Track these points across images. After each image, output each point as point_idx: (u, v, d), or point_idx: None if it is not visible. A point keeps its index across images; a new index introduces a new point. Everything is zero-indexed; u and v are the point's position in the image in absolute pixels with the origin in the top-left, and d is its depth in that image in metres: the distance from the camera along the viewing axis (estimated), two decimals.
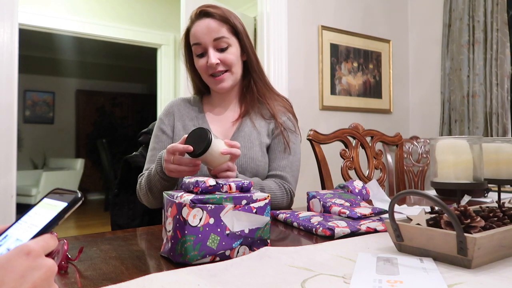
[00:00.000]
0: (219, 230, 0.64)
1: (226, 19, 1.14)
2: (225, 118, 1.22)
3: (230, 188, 0.67)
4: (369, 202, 1.19)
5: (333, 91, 2.89)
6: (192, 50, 1.17)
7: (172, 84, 4.21)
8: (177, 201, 0.63)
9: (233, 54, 1.15)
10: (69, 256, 0.63)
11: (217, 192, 0.66)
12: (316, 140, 1.55)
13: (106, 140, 5.80)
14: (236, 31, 1.16)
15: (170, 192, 0.70)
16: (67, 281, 0.56)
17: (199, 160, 0.91)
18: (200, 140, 0.88)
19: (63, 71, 6.79)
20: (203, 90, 1.28)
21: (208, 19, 1.13)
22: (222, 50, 1.13)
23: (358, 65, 3.02)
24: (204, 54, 1.14)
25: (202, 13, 1.14)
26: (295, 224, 0.91)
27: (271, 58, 2.60)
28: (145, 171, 1.15)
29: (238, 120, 1.20)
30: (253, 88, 1.21)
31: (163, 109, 1.26)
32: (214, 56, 1.12)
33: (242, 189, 0.69)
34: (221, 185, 0.66)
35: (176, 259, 0.63)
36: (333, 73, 2.89)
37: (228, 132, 1.19)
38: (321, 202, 1.02)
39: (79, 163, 6.03)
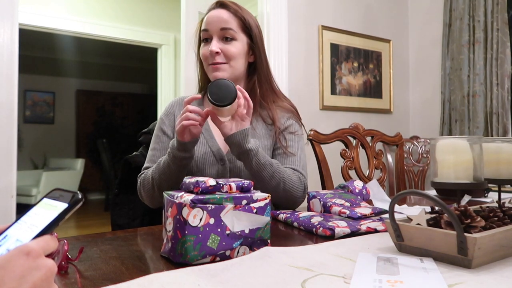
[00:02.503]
0: (219, 230, 0.63)
1: (239, 14, 1.15)
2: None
3: (230, 188, 0.67)
4: (369, 202, 1.19)
5: (333, 91, 2.89)
6: None
7: (172, 84, 4.21)
8: (177, 201, 0.63)
9: (236, 48, 1.14)
10: (69, 256, 0.63)
11: (217, 192, 0.66)
12: (316, 140, 1.55)
13: (106, 140, 5.81)
14: (248, 30, 1.16)
15: (170, 192, 0.70)
16: (67, 282, 0.56)
17: (218, 110, 0.95)
18: (224, 91, 0.92)
19: (63, 71, 6.80)
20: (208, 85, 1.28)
21: (222, 10, 1.15)
22: (226, 41, 1.14)
23: (358, 65, 3.02)
24: (209, 41, 1.15)
25: (219, 3, 1.17)
26: (295, 224, 0.91)
27: (271, 58, 2.60)
28: (144, 170, 1.15)
29: None
30: (256, 90, 1.20)
31: (164, 109, 1.26)
32: (216, 45, 1.12)
33: (242, 189, 0.69)
34: (221, 185, 0.66)
35: (176, 259, 0.63)
36: (333, 73, 2.89)
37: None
38: (321, 202, 1.02)
39: (79, 163, 6.04)
